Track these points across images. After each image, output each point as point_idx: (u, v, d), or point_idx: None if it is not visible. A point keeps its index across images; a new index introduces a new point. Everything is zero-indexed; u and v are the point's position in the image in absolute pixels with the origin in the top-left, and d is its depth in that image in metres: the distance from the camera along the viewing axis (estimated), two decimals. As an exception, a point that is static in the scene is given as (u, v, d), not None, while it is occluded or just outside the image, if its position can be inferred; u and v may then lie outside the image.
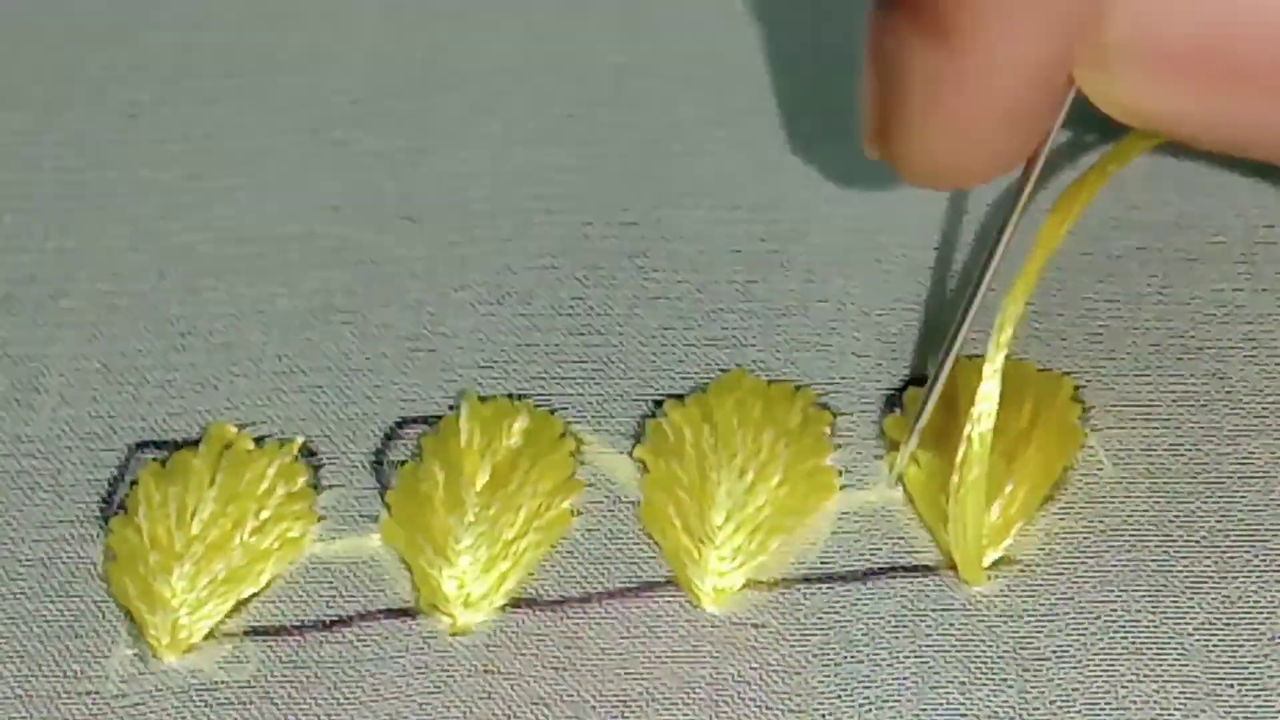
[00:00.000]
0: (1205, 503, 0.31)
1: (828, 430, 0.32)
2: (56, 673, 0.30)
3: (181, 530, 0.31)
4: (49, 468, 0.32)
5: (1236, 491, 0.31)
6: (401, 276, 0.35)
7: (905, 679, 0.29)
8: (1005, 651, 0.29)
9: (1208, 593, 0.30)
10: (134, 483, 0.32)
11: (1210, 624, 0.29)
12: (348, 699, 0.29)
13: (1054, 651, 0.29)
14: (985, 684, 0.29)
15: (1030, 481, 0.31)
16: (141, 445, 0.33)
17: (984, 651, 0.29)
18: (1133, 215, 0.35)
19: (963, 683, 0.29)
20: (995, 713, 0.29)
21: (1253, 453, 0.31)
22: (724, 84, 0.38)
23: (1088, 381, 0.32)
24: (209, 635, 0.30)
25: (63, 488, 0.32)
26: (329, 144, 0.37)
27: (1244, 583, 0.30)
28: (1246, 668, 0.29)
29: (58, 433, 0.33)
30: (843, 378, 0.33)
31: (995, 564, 0.30)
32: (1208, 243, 0.34)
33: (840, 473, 0.32)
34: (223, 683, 0.30)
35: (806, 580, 0.31)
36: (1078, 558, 0.30)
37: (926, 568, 0.30)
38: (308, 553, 0.31)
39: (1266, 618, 0.29)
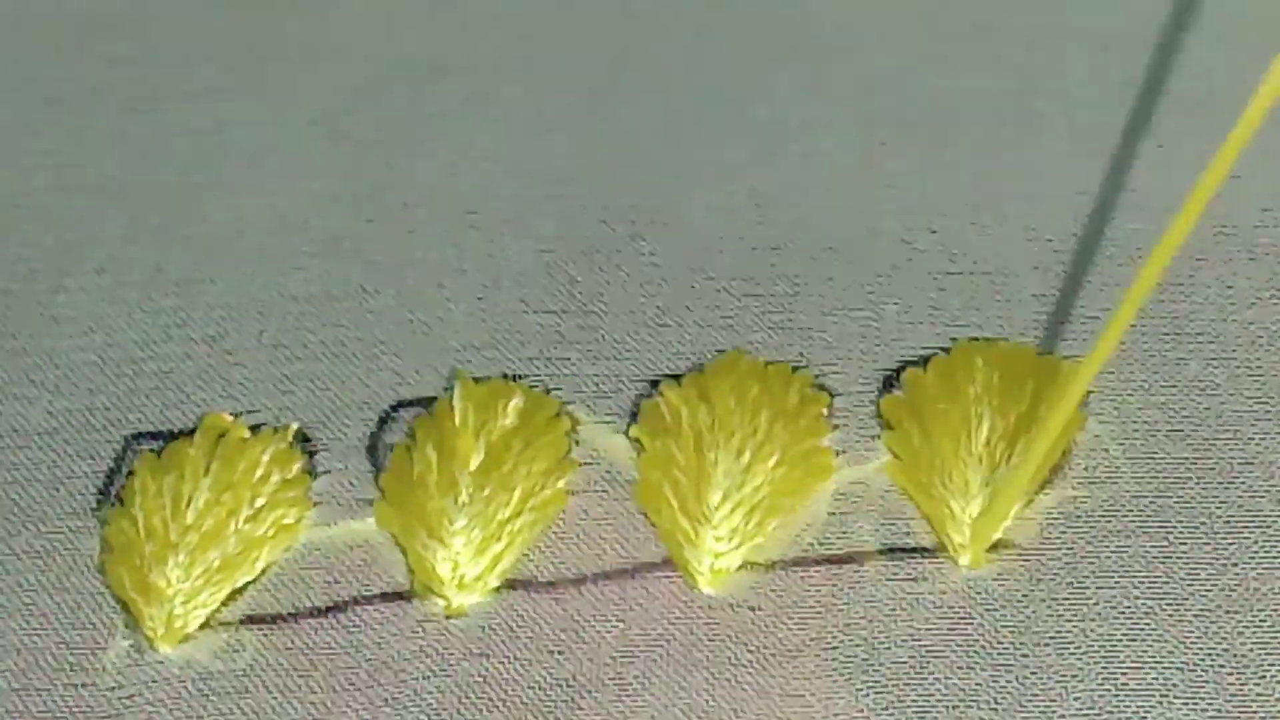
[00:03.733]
0: (1205, 489, 0.31)
1: (825, 411, 0.32)
2: (53, 663, 0.30)
3: (177, 520, 0.31)
4: (45, 460, 0.32)
5: (1237, 478, 0.31)
6: (398, 263, 0.35)
7: (903, 662, 0.29)
8: (1004, 635, 0.29)
9: (1207, 580, 0.30)
10: (130, 474, 0.32)
11: (1210, 611, 0.29)
12: (344, 684, 0.29)
13: (1053, 637, 0.29)
14: (984, 668, 0.29)
15: (1030, 464, 0.30)
16: (137, 437, 0.33)
17: (983, 635, 0.29)
18: (1137, 205, 0.35)
19: (960, 666, 0.29)
20: (994, 697, 0.29)
21: (1253, 439, 0.31)
22: (722, 71, 0.38)
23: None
24: (205, 624, 0.30)
25: (59, 479, 0.32)
26: (327, 134, 0.37)
27: (1244, 570, 0.30)
28: (1247, 655, 0.29)
29: (54, 425, 0.33)
30: (840, 359, 0.33)
31: (993, 546, 0.30)
32: (1212, 233, 0.34)
33: (838, 453, 0.32)
34: (219, 671, 0.30)
35: (803, 562, 0.30)
36: (1077, 543, 0.30)
37: (924, 549, 0.30)
38: (303, 539, 0.31)
39: (1267, 605, 0.29)
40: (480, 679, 0.29)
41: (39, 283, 0.35)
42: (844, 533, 0.31)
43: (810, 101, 0.37)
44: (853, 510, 0.31)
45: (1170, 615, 0.29)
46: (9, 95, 0.39)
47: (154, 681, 0.30)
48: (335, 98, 0.38)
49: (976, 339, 0.33)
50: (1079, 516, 0.30)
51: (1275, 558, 0.30)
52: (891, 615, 0.30)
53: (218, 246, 0.36)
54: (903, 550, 0.30)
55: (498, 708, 0.29)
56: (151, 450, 0.32)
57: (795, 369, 0.32)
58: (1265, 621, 0.29)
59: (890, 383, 0.32)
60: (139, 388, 0.33)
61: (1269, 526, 0.30)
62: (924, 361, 0.32)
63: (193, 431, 0.32)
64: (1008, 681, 0.29)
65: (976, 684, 0.29)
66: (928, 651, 0.29)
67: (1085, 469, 0.31)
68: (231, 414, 0.33)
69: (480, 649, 0.30)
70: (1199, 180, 0.27)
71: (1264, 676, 0.28)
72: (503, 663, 0.29)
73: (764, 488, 0.31)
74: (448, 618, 0.30)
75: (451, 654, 0.29)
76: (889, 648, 0.29)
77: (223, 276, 0.35)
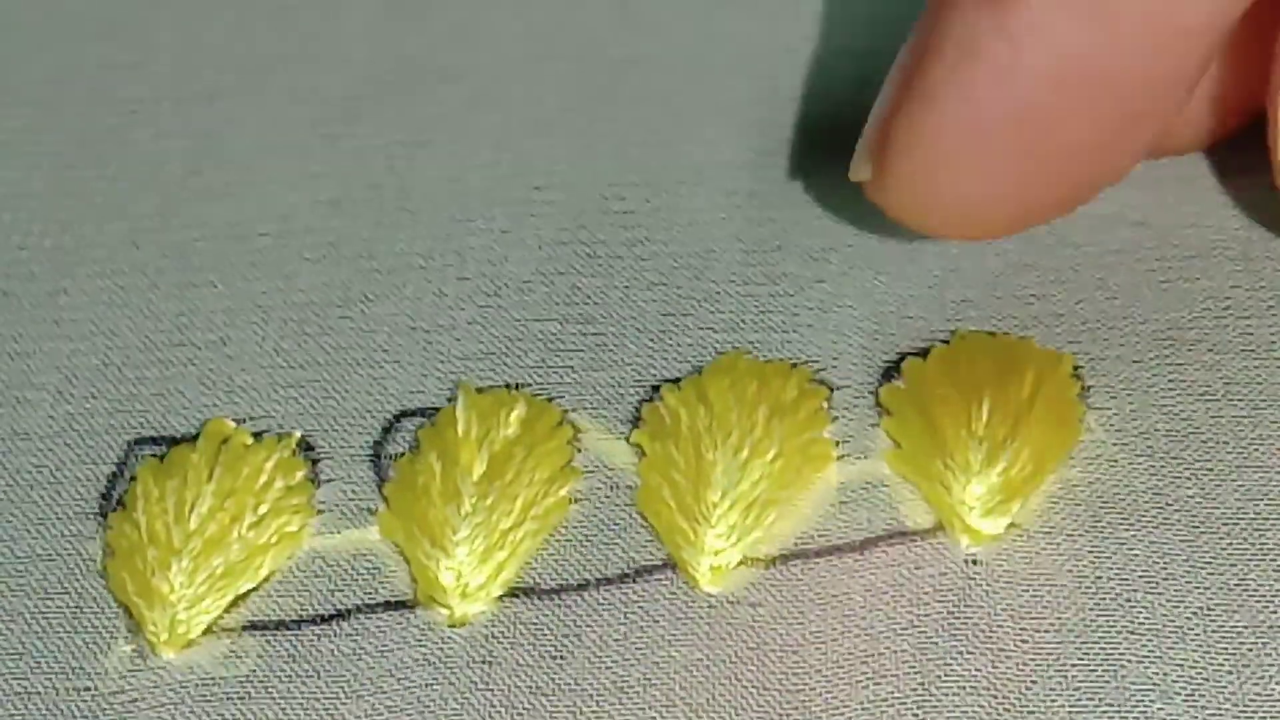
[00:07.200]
0: (1202, 489, 0.31)
1: (824, 404, 0.32)
2: (55, 669, 0.30)
3: (180, 525, 0.31)
4: (47, 464, 0.32)
5: (1234, 480, 0.31)
6: (399, 269, 0.35)
7: (904, 651, 0.29)
8: (1004, 621, 0.29)
9: (1205, 579, 0.30)
10: (132, 478, 0.32)
11: (1208, 610, 0.29)
12: (347, 692, 0.29)
13: (1052, 624, 0.29)
14: (985, 654, 0.29)
15: (1031, 447, 0.31)
16: (139, 441, 0.33)
17: (983, 620, 0.29)
18: (1130, 215, 0.35)
19: (961, 653, 0.29)
20: (994, 684, 0.29)
21: (1250, 443, 0.31)
22: (721, 74, 0.38)
23: (1086, 365, 0.32)
24: (207, 630, 0.30)
25: (61, 484, 0.32)
26: (326, 138, 0.37)
27: (1241, 571, 0.30)
28: (1244, 655, 0.29)
29: (56, 429, 0.33)
30: (839, 355, 0.33)
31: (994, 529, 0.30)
32: (1206, 241, 0.34)
33: (837, 444, 0.32)
34: (221, 678, 0.30)
35: (803, 555, 0.30)
36: (1077, 529, 0.30)
37: (924, 531, 0.30)
38: (306, 547, 0.31)
39: (1264, 606, 0.29)
40: (483, 686, 0.29)
41: (38, 285, 0.35)
42: (844, 522, 0.31)
43: (808, 101, 0.37)
44: (852, 499, 0.31)
45: (1169, 611, 0.29)
46: (8, 97, 0.39)
47: (156, 687, 0.30)
48: (335, 101, 0.38)
49: (977, 331, 0.33)
50: (1079, 504, 0.30)
51: (1271, 559, 0.30)
52: (892, 603, 0.30)
53: (218, 251, 0.35)
54: (902, 533, 0.30)
55: (501, 715, 0.29)
56: (154, 455, 0.32)
57: (794, 365, 0.33)
58: (1264, 621, 0.29)
59: (890, 374, 0.32)
60: (140, 392, 0.33)
61: (1265, 530, 0.30)
62: (924, 353, 0.32)
63: (195, 437, 0.32)
64: (1007, 669, 0.29)
65: (976, 670, 0.29)
66: (928, 640, 0.29)
67: (1084, 459, 0.31)
68: (233, 420, 0.33)
69: (483, 657, 0.30)
70: None
71: (1263, 676, 0.29)
72: (506, 670, 0.29)
73: (762, 482, 0.31)
74: (450, 626, 0.30)
75: (455, 662, 0.30)
76: (889, 637, 0.29)
77: (223, 281, 0.35)
